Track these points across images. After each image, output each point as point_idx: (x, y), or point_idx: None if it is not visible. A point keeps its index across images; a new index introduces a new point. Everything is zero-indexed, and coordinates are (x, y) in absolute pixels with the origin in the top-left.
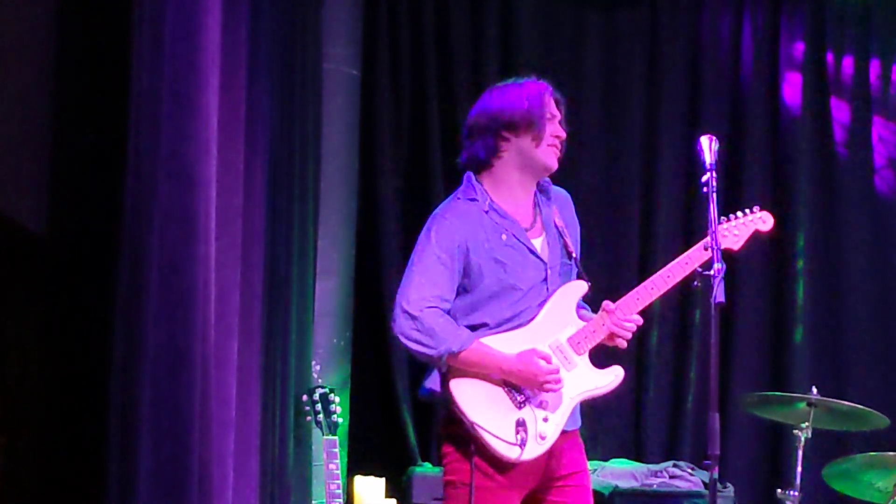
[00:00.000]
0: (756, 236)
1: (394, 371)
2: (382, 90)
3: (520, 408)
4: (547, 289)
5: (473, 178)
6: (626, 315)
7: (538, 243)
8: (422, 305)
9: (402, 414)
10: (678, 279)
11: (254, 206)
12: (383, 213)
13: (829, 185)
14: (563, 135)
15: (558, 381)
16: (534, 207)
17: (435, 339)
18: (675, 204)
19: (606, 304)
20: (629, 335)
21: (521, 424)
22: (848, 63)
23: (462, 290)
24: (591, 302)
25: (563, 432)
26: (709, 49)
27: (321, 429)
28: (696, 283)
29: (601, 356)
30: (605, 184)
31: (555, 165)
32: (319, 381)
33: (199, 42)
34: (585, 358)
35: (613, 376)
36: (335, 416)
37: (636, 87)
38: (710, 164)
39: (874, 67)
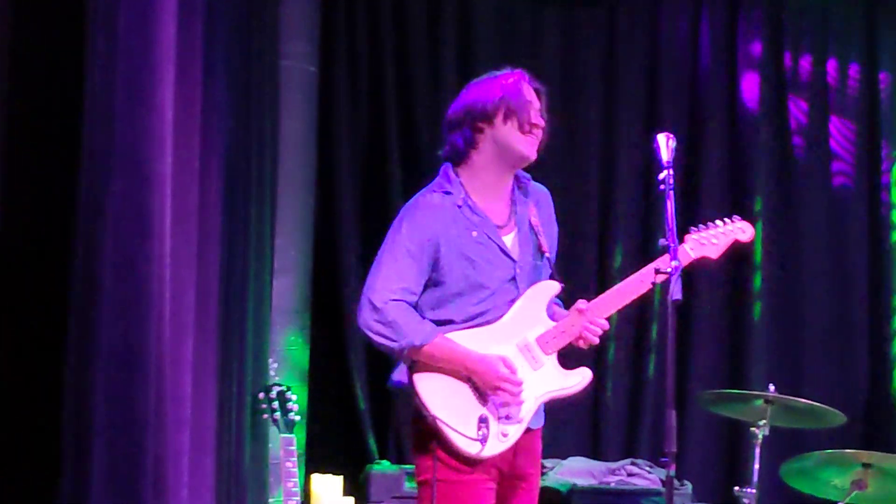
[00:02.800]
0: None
1: (351, 369)
2: (340, 87)
3: (483, 404)
4: (516, 288)
5: (450, 170)
6: (595, 317)
7: (509, 241)
8: (387, 297)
9: (360, 412)
10: (648, 285)
11: (210, 202)
12: (341, 210)
13: (786, 184)
14: (542, 123)
15: (515, 393)
16: (510, 203)
17: (398, 331)
18: (633, 202)
19: (580, 302)
20: (596, 340)
21: (483, 421)
22: (805, 62)
23: (430, 285)
24: (561, 301)
25: (528, 430)
26: (667, 47)
27: (278, 427)
28: (653, 280)
29: (559, 354)
30: (563, 181)
31: (533, 155)
32: (276, 378)
33: (154, 37)
34: (553, 358)
35: (581, 378)
36: (292, 413)
37: (594, 85)
38: (667, 162)
39: (831, 66)
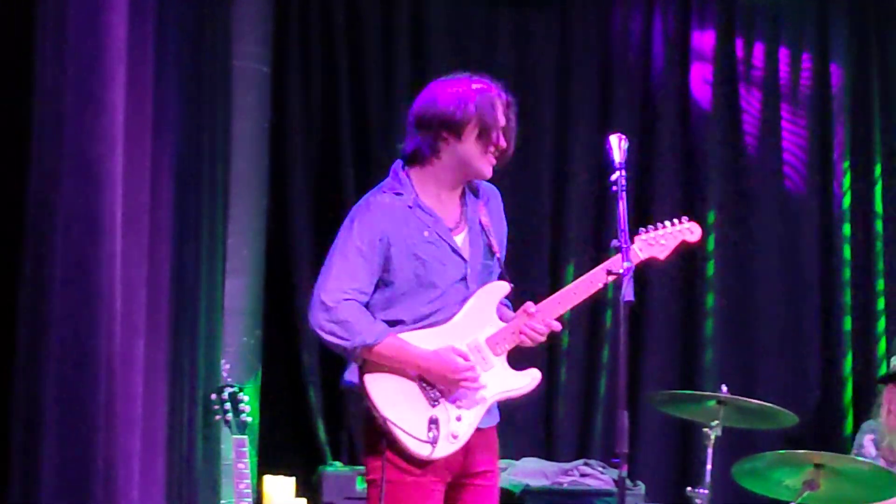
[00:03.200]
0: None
1: (304, 370)
2: (293, 87)
3: (433, 405)
4: (467, 287)
5: (401, 170)
6: (546, 318)
7: (460, 241)
8: (339, 297)
9: (313, 413)
10: (599, 286)
11: (161, 203)
12: (294, 210)
13: (738, 184)
14: (504, 145)
15: (475, 378)
16: (460, 205)
17: (349, 331)
18: (586, 203)
19: (528, 305)
20: (541, 338)
21: (433, 422)
22: (758, 55)
23: (381, 285)
24: (511, 302)
25: (478, 430)
26: (619, 46)
27: (230, 427)
28: (604, 281)
29: (514, 353)
30: (517, 183)
31: (489, 174)
32: (229, 379)
33: (104, 39)
34: (503, 359)
35: (530, 379)
36: (244, 414)
37: (547, 86)
38: (620, 163)
39: (783, 59)
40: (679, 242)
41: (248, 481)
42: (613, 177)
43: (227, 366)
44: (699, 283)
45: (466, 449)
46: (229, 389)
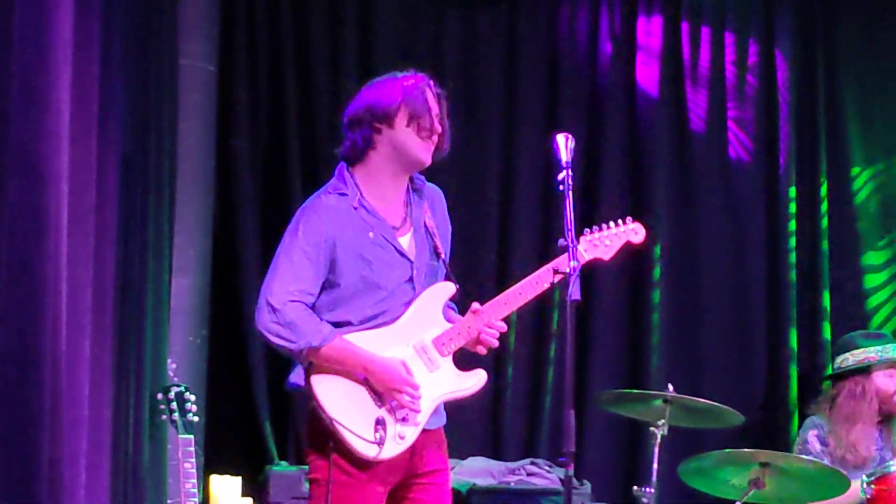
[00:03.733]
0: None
1: (251, 369)
2: (239, 86)
3: (380, 406)
4: (413, 288)
5: (346, 170)
6: (492, 319)
7: (405, 242)
8: (285, 299)
9: (259, 412)
10: (545, 286)
11: (107, 202)
12: (240, 210)
13: (685, 182)
14: (439, 129)
15: (414, 397)
16: (405, 205)
17: (296, 332)
18: (533, 202)
19: (475, 305)
20: (494, 342)
21: (380, 423)
22: (705, 47)
23: (327, 286)
24: (456, 303)
25: (425, 431)
26: (567, 46)
27: (176, 428)
28: (551, 281)
29: (462, 354)
30: (463, 182)
31: (427, 160)
32: (175, 379)
33: (50, 36)
34: (449, 360)
35: (476, 379)
36: (191, 414)
37: (495, 85)
38: (566, 163)
39: (729, 52)
40: (623, 243)
41: (195, 481)
42: (560, 176)
43: (174, 365)
44: (646, 282)
45: (413, 450)
46: (175, 389)
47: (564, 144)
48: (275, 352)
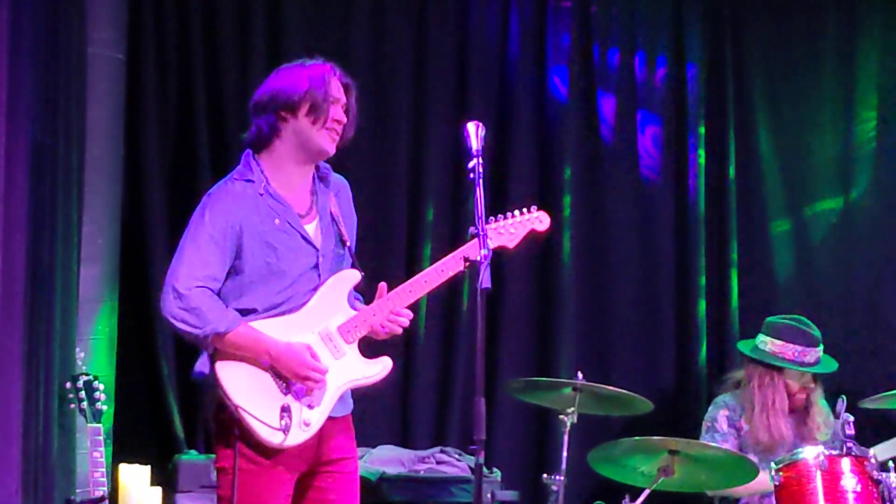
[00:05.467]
0: (530, 235)
1: (159, 358)
2: (148, 74)
3: (285, 394)
4: (319, 276)
5: (252, 157)
6: (397, 306)
7: (311, 229)
8: (191, 284)
9: (168, 401)
10: (452, 273)
11: (15, 191)
12: (148, 198)
13: (595, 173)
14: (344, 119)
15: (319, 381)
16: (311, 193)
17: (201, 318)
18: (442, 191)
19: (382, 287)
20: (398, 329)
21: (285, 410)
22: (613, 54)
23: (232, 272)
24: (362, 292)
25: (332, 418)
26: (477, 35)
27: (85, 416)
28: (461, 269)
29: (369, 341)
30: (372, 170)
31: (331, 150)
32: (83, 367)
33: None
34: (354, 347)
35: (381, 367)
36: (99, 403)
37: (404, 73)
38: (477, 151)
39: (639, 59)
40: (528, 231)
41: (104, 470)
42: (471, 164)
43: (82, 354)
44: (554, 269)
45: (320, 438)
46: (84, 378)
47: (475, 133)
48: (184, 341)
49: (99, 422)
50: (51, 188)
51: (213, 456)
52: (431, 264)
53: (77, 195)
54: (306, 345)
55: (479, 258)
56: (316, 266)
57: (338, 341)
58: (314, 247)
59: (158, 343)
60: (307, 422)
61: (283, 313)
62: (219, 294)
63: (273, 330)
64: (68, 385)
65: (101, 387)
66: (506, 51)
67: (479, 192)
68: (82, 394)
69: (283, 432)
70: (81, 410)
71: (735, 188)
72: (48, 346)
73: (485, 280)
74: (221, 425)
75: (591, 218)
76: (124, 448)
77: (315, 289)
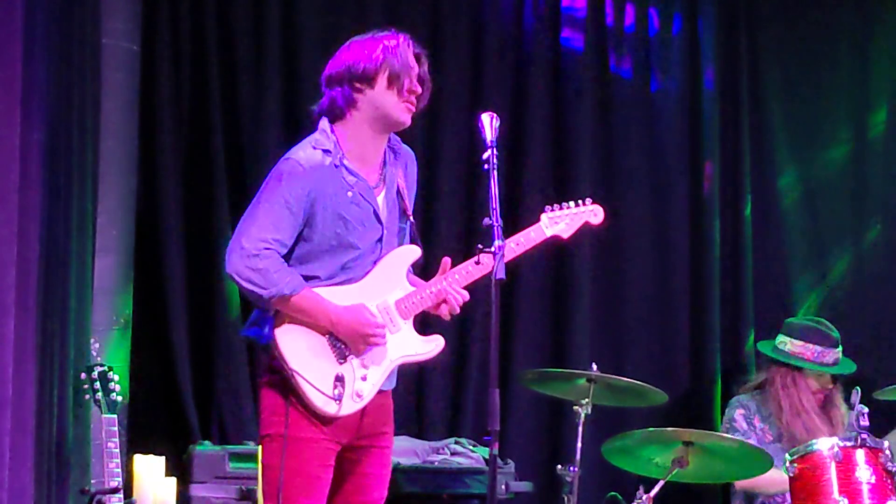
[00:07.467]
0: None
1: (174, 348)
2: (162, 66)
3: (341, 363)
4: (381, 249)
5: (329, 126)
6: (454, 285)
7: (380, 202)
8: (260, 246)
9: (183, 392)
10: (511, 257)
11: (30, 182)
12: (163, 189)
13: (610, 161)
14: (419, 90)
15: (383, 336)
16: (381, 165)
17: (268, 279)
18: (457, 181)
19: (446, 262)
20: (457, 307)
21: (339, 380)
22: (629, 18)
23: (301, 240)
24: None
25: (379, 392)
26: (491, 23)
27: (100, 407)
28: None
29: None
30: None
31: (407, 121)
32: (98, 358)
33: None
34: (410, 323)
35: (434, 345)
36: (114, 394)
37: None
38: (491, 141)
39: (653, 20)
40: (583, 223)
41: (118, 461)
42: (485, 155)
43: (97, 345)
44: (570, 261)
45: (363, 411)
46: (99, 368)
47: (489, 123)
48: (198, 331)
49: (113, 412)
50: (65, 179)
51: (228, 446)
52: (443, 255)
53: (91, 186)
54: (363, 304)
55: (494, 249)
56: (380, 240)
57: (394, 316)
58: (380, 221)
59: (172, 333)
60: (360, 393)
61: (343, 283)
62: (284, 258)
63: (334, 297)
64: (83, 376)
65: (116, 377)
66: (521, 34)
67: (494, 183)
68: (97, 384)
69: (337, 401)
70: (96, 401)
71: (750, 178)
72: (63, 336)
73: (499, 271)
74: (273, 390)
75: (606, 206)
76: (139, 438)
77: (376, 262)
